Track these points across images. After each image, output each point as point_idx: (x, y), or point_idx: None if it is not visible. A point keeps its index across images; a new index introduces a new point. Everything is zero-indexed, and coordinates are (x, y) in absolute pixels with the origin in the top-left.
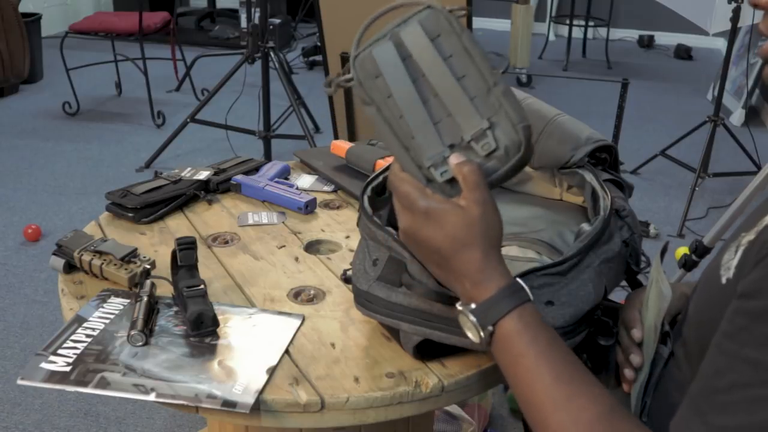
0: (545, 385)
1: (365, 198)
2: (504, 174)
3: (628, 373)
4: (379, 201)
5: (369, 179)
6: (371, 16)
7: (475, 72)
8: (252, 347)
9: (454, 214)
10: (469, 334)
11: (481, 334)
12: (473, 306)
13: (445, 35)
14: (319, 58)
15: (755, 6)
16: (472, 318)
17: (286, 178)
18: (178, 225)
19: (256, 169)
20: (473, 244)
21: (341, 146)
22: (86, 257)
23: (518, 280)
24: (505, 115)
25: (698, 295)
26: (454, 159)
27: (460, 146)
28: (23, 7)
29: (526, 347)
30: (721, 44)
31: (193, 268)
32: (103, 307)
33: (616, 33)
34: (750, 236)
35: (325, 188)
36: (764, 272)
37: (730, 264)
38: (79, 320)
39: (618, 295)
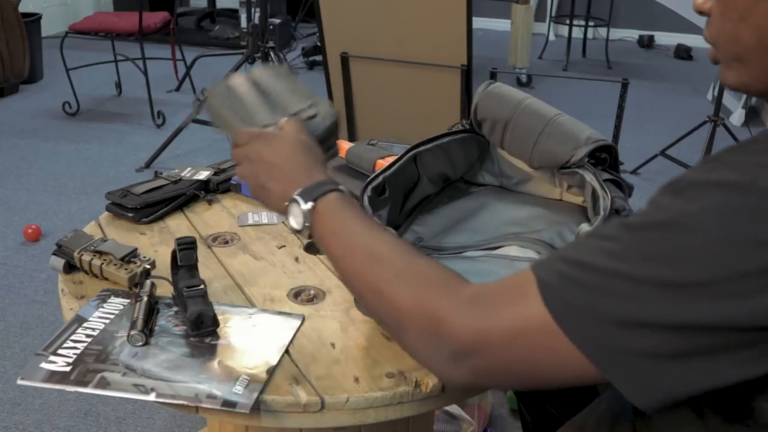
0: (361, 260)
1: (365, 198)
2: (322, 131)
3: None
4: (379, 201)
5: (369, 179)
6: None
7: (300, 88)
8: (252, 347)
9: (280, 131)
10: (294, 222)
11: (304, 212)
12: (299, 189)
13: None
14: (319, 58)
15: (700, 13)
16: (298, 198)
17: None
18: (178, 225)
19: None
20: (298, 150)
21: (341, 146)
22: (86, 257)
23: (335, 180)
24: (322, 101)
25: None
26: (283, 120)
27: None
28: (23, 7)
29: (344, 223)
30: None
31: (193, 268)
32: (103, 307)
33: (616, 33)
34: None
35: None
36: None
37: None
38: (79, 320)
39: None
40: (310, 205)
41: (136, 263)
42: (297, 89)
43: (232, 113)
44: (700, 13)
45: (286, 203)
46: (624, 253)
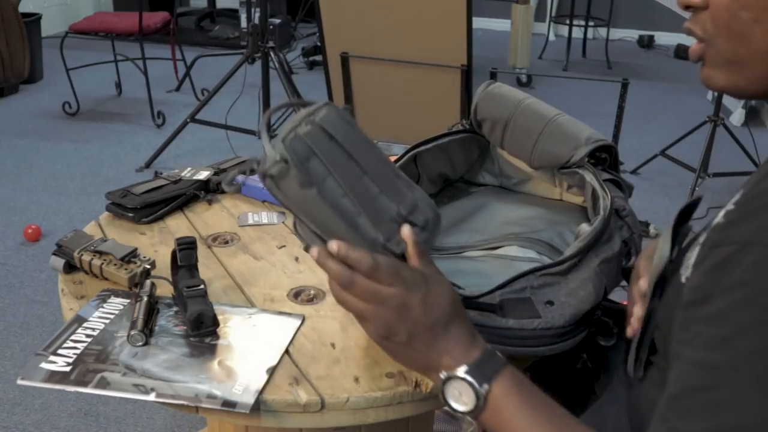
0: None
1: None
2: (430, 245)
3: (633, 322)
4: None
5: None
6: (273, 106)
7: (383, 157)
8: (252, 347)
9: (444, 284)
10: (457, 403)
11: (479, 395)
12: (465, 368)
13: (352, 125)
14: (319, 58)
15: (686, 7)
16: (469, 378)
17: None
18: (178, 225)
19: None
20: (461, 310)
21: None
22: (86, 257)
23: (489, 346)
24: (419, 193)
25: (666, 291)
26: (407, 233)
27: (399, 219)
28: (23, 7)
29: (522, 401)
30: None
31: (193, 268)
32: (103, 307)
33: (616, 33)
34: (704, 235)
35: None
36: (708, 278)
37: (688, 263)
38: (79, 320)
39: (618, 295)
40: (486, 387)
41: (136, 263)
42: (389, 164)
43: (330, 210)
44: (687, 7)
45: (443, 376)
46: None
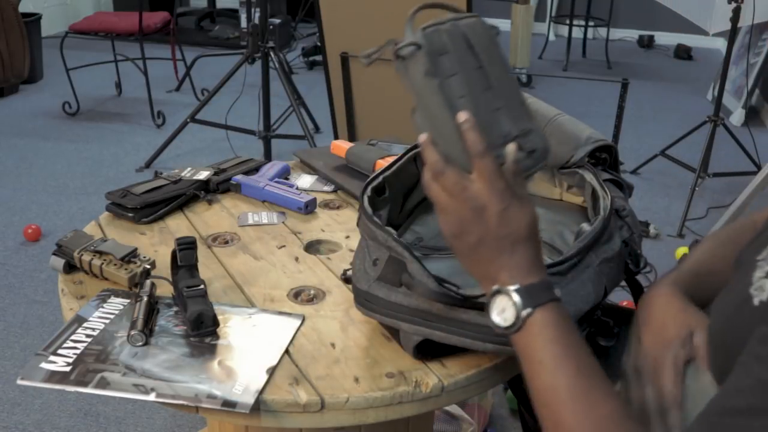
0: (567, 375)
1: (365, 198)
2: (533, 173)
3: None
4: (379, 201)
5: (369, 179)
6: (419, 5)
7: (514, 82)
8: (252, 347)
9: (529, 206)
10: (499, 318)
11: (520, 315)
12: (516, 286)
13: (494, 44)
14: (319, 58)
15: None
16: (516, 297)
17: (286, 178)
18: (178, 225)
19: (256, 169)
20: (536, 236)
21: (341, 146)
22: (86, 257)
23: (551, 282)
24: (536, 125)
25: (723, 313)
26: (512, 150)
27: (508, 138)
28: (23, 7)
29: (558, 336)
30: (721, 44)
31: (193, 268)
32: (103, 307)
33: (616, 33)
34: None
35: (325, 188)
36: None
37: (763, 284)
38: (79, 320)
39: (618, 295)
40: (528, 310)
41: (136, 263)
42: (517, 90)
43: (444, 105)
44: None
45: (494, 288)
46: None
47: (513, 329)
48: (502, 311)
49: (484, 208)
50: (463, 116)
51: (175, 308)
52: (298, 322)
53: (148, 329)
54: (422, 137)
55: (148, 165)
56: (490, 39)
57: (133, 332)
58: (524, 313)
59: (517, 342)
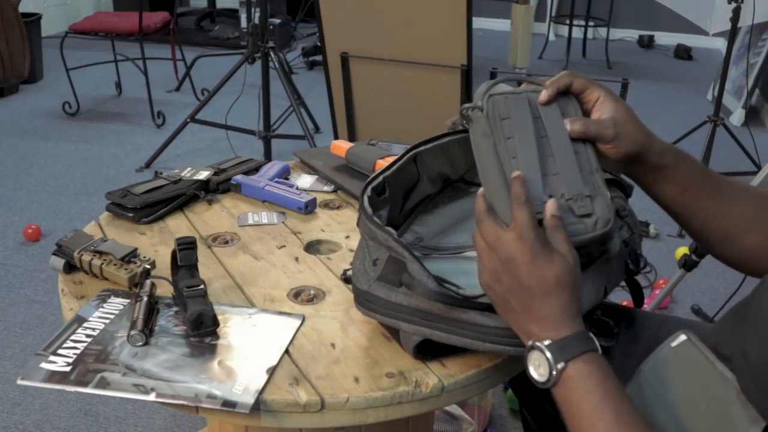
0: (606, 426)
1: (365, 198)
2: (586, 240)
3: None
4: (379, 201)
5: (369, 179)
6: (500, 78)
7: (585, 153)
8: (252, 347)
9: (559, 259)
10: (535, 372)
11: (553, 370)
12: (548, 342)
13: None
14: (319, 58)
15: None
16: (547, 353)
17: (286, 178)
18: (178, 225)
19: (256, 169)
20: (565, 290)
21: (341, 146)
22: (86, 257)
23: (589, 332)
24: (602, 195)
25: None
26: (552, 205)
27: (556, 196)
28: (23, 7)
29: (594, 387)
30: (721, 44)
31: (193, 268)
32: (103, 307)
33: (616, 33)
34: None
35: (325, 188)
36: None
37: None
38: (79, 320)
39: (618, 295)
40: (561, 365)
41: (136, 263)
42: (582, 160)
43: (495, 162)
44: None
45: (528, 343)
46: None
47: (549, 384)
48: (538, 366)
49: (512, 258)
50: (515, 173)
51: (175, 308)
52: (298, 322)
53: (148, 329)
54: (479, 191)
55: (148, 165)
56: (559, 114)
57: (133, 332)
58: (558, 367)
59: (556, 395)
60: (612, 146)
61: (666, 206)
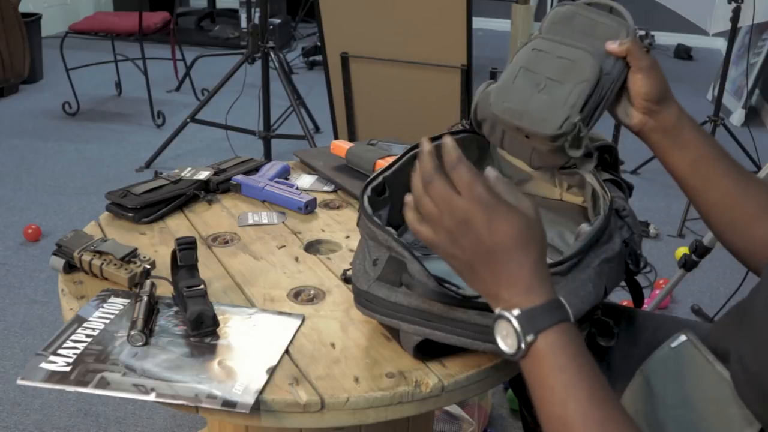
0: (579, 404)
1: (365, 198)
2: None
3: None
4: (379, 201)
5: (369, 179)
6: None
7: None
8: (252, 347)
9: (517, 213)
10: (502, 343)
11: (522, 343)
12: (517, 311)
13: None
14: (319, 58)
15: None
16: (516, 324)
17: (286, 178)
18: (178, 225)
19: (256, 169)
20: (530, 247)
21: (341, 146)
22: (86, 257)
23: (560, 298)
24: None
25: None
26: (491, 172)
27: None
28: (23, 7)
29: (567, 362)
30: (721, 44)
31: (193, 268)
32: (103, 307)
33: None
34: None
35: (325, 188)
36: None
37: None
38: (79, 320)
39: (618, 295)
40: (531, 337)
41: (136, 263)
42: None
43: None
44: None
45: (496, 312)
46: None
47: (517, 356)
48: (505, 336)
49: (467, 219)
50: (446, 138)
51: (175, 308)
52: (298, 322)
53: (148, 329)
54: (425, 145)
55: (148, 165)
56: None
57: (133, 332)
58: (528, 339)
59: (523, 368)
60: (644, 77)
61: (680, 177)
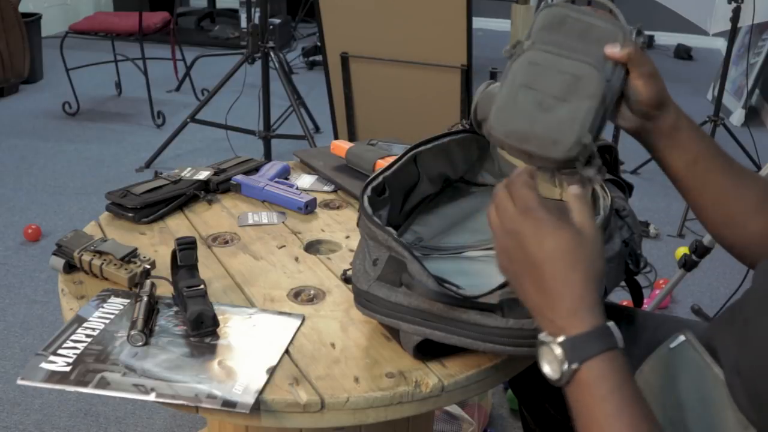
0: None
1: (365, 198)
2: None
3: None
4: (379, 201)
5: (369, 179)
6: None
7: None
8: (252, 347)
9: (569, 231)
10: (547, 368)
11: (564, 369)
12: (561, 338)
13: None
14: (319, 58)
15: None
16: (558, 351)
17: (286, 178)
18: (178, 225)
19: (256, 169)
20: (580, 266)
21: (341, 146)
22: (86, 257)
23: (610, 324)
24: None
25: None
26: (575, 187)
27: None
28: (23, 7)
29: (609, 393)
30: (721, 44)
31: (193, 268)
32: (103, 307)
33: None
34: None
35: (325, 188)
36: None
37: None
38: (79, 320)
39: (618, 295)
40: (575, 365)
41: (136, 263)
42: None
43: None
44: None
45: (540, 337)
46: None
47: (561, 382)
48: (550, 362)
49: (518, 231)
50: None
51: (175, 308)
52: (298, 322)
53: (148, 329)
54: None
55: (148, 165)
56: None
57: (133, 332)
58: (572, 367)
59: (568, 394)
60: (644, 83)
61: (677, 177)
